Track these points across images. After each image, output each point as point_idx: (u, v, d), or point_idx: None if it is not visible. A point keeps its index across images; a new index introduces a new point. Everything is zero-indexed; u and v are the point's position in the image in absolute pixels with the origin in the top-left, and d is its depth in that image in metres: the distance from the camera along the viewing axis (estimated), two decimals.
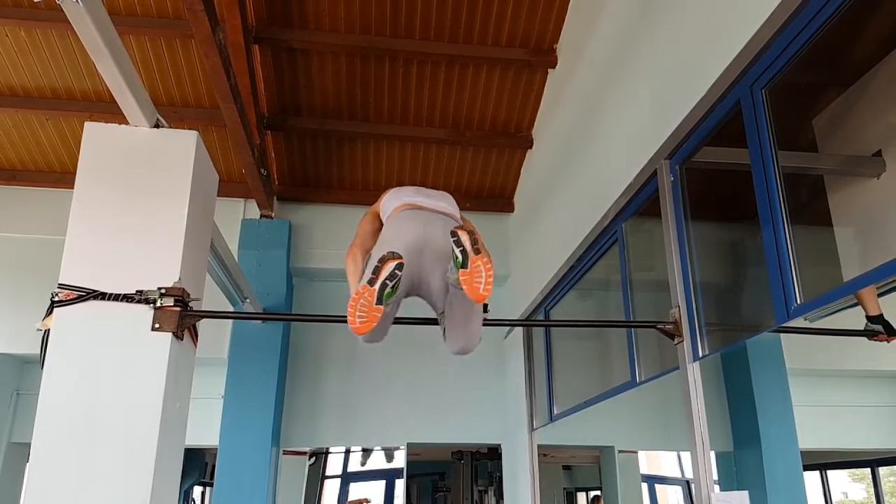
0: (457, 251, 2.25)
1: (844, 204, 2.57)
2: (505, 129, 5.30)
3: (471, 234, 2.29)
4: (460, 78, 4.89)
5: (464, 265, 2.22)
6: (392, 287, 2.24)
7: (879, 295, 2.52)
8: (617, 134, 3.45)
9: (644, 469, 6.78)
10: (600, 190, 3.51)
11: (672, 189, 2.73)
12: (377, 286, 2.22)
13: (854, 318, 2.63)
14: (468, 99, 5.05)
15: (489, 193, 5.88)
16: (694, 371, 2.51)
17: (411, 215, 2.64)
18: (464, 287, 2.21)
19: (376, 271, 2.24)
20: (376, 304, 2.22)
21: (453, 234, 2.28)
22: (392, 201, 2.80)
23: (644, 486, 6.86)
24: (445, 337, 2.69)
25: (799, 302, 1.98)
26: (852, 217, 2.54)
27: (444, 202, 2.80)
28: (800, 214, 2.11)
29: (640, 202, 3.12)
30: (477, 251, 2.24)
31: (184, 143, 2.72)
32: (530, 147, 5.35)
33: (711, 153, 2.59)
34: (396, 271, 2.25)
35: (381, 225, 2.84)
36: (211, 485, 6.93)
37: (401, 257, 2.27)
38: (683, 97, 2.56)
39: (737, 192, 2.51)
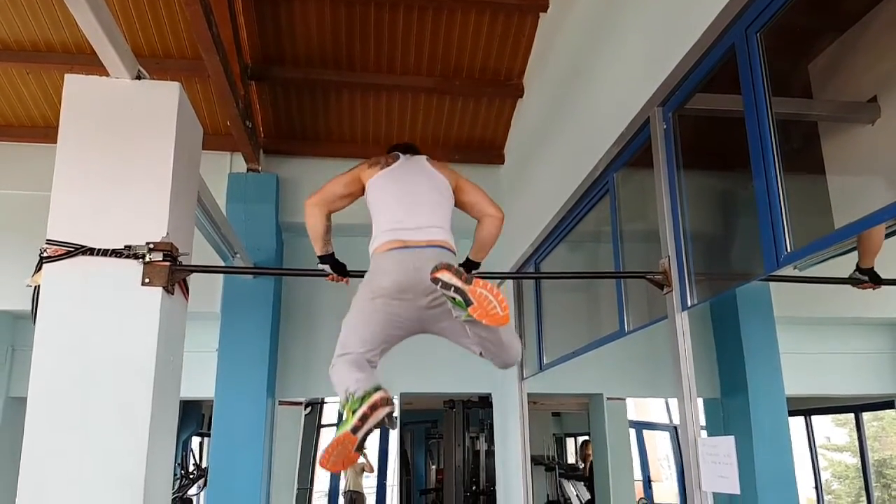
0: (451, 294, 2.11)
1: (838, 151, 2.55)
2: (495, 77, 5.20)
3: (448, 267, 2.13)
4: (448, 23, 4.76)
5: (468, 302, 2.08)
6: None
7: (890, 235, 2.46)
8: (609, 81, 3.39)
9: (632, 415, 6.94)
10: (592, 139, 3.47)
11: (664, 137, 2.70)
12: (360, 435, 2.05)
13: (843, 267, 2.65)
14: (457, 46, 4.93)
15: (479, 145, 5.78)
16: (682, 320, 2.53)
17: (399, 256, 2.43)
18: (483, 321, 2.09)
19: (363, 418, 2.04)
20: (355, 451, 2.07)
21: (434, 280, 2.12)
22: (378, 215, 2.56)
23: (632, 431, 7.03)
24: (487, 358, 2.55)
25: (789, 250, 1.98)
26: (845, 164, 2.53)
27: (432, 225, 2.52)
28: (792, 161, 2.09)
29: (632, 151, 3.09)
30: (468, 281, 2.09)
31: (166, 95, 2.67)
32: (521, 96, 5.25)
33: (705, 100, 2.55)
34: (385, 420, 2.08)
35: (357, 192, 2.67)
36: (209, 435, 7.05)
37: (392, 404, 2.10)
38: (677, 42, 2.50)
39: (729, 140, 2.49)
